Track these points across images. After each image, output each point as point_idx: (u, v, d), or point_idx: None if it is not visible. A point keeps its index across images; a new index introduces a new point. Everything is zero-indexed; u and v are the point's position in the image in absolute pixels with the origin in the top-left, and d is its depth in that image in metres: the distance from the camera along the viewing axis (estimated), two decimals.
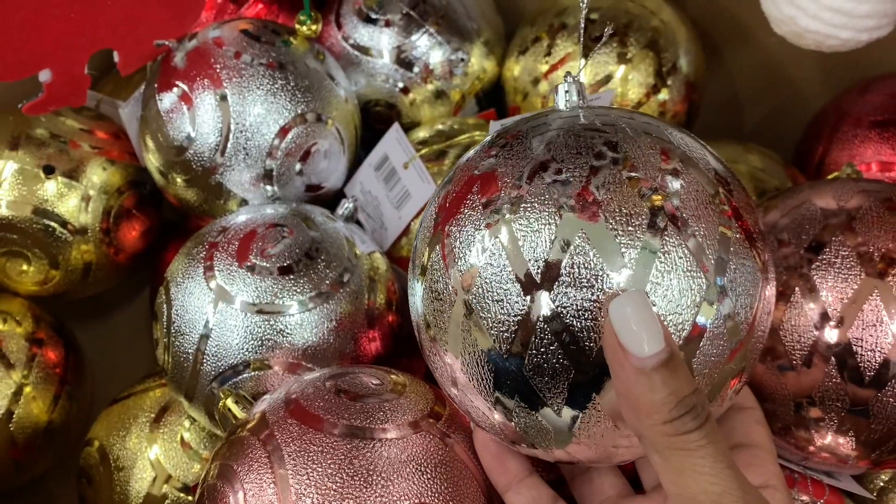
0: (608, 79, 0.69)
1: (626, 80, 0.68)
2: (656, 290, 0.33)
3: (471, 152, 0.40)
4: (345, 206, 0.61)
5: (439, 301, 0.37)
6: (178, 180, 0.65)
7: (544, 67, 0.71)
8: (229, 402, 0.49)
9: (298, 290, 0.53)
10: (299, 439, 0.41)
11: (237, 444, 0.43)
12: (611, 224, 0.33)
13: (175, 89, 0.63)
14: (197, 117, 0.62)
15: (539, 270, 0.34)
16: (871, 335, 0.43)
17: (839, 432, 0.45)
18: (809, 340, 0.44)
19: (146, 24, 0.61)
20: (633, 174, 0.34)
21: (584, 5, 0.39)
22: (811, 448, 0.47)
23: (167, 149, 0.64)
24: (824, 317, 0.44)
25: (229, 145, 0.62)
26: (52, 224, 0.69)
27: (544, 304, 0.34)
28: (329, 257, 0.56)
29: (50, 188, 0.68)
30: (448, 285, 0.36)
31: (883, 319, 0.43)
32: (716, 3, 0.79)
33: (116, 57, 0.62)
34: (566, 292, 0.33)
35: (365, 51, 0.73)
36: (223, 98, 0.61)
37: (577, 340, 0.33)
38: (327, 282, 0.55)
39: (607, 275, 0.33)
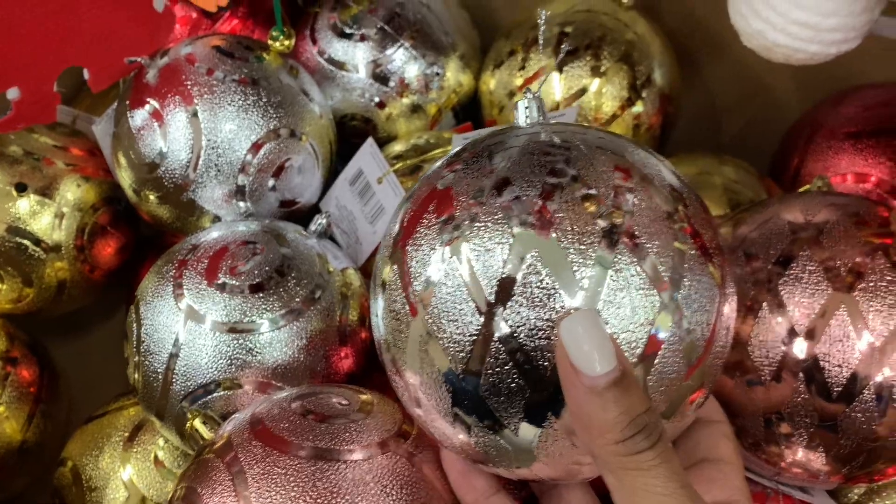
0: (582, 92, 0.69)
1: (600, 94, 0.68)
2: (609, 309, 0.33)
3: (431, 169, 0.39)
4: (317, 222, 0.61)
5: (397, 321, 0.37)
6: (151, 197, 0.64)
7: (519, 81, 0.71)
8: (196, 423, 0.48)
9: (268, 308, 0.53)
10: (263, 461, 0.41)
11: (202, 466, 0.43)
12: (564, 242, 0.33)
13: (146, 106, 0.63)
14: (168, 134, 0.62)
15: (493, 290, 0.33)
16: (838, 350, 0.43)
17: (809, 448, 0.45)
18: (778, 356, 0.44)
19: (117, 41, 0.61)
20: (587, 192, 0.34)
21: (542, 21, 0.39)
22: (782, 463, 0.47)
23: (139, 166, 0.63)
24: (792, 332, 0.44)
25: (201, 162, 0.61)
26: (25, 242, 0.68)
27: (499, 323, 0.33)
28: (300, 274, 0.55)
29: (22, 206, 0.68)
30: (405, 305, 0.36)
31: (850, 334, 0.42)
32: (692, 16, 0.79)
33: (87, 74, 0.61)
34: (520, 311, 0.33)
35: (340, 65, 0.73)
36: (194, 115, 0.61)
37: (532, 360, 0.33)
38: (298, 299, 0.54)
39: (560, 293, 0.33)
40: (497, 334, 0.33)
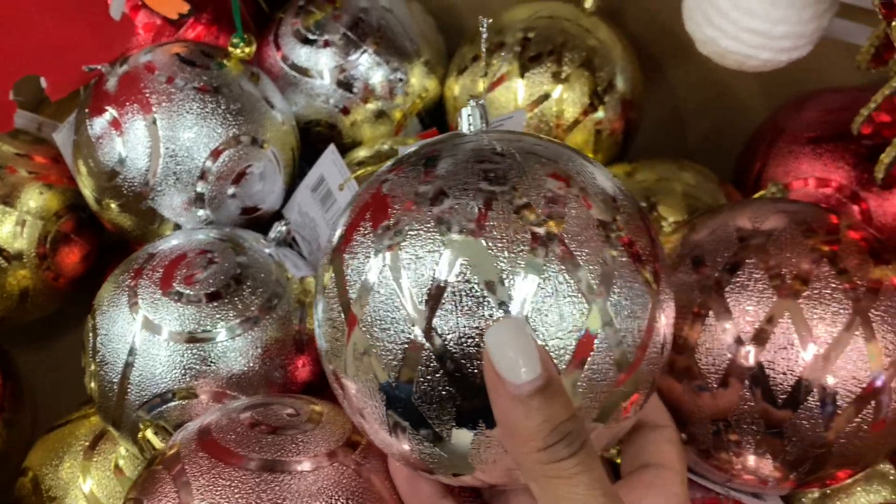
0: (545, 98, 0.69)
1: (561, 100, 0.69)
2: (538, 316, 0.33)
3: (372, 177, 0.40)
4: (277, 230, 0.61)
5: (335, 328, 0.37)
6: (112, 206, 0.64)
7: (482, 86, 0.71)
8: (148, 433, 0.48)
9: (222, 318, 0.53)
10: (208, 473, 0.40)
11: (149, 477, 0.43)
12: (494, 250, 0.33)
13: (105, 114, 0.62)
14: (127, 142, 0.61)
15: (424, 298, 0.34)
16: (783, 357, 0.43)
17: (757, 454, 0.45)
18: (724, 363, 0.44)
19: (74, 50, 0.61)
20: (520, 200, 0.34)
21: (484, 29, 0.40)
22: (733, 470, 0.47)
23: (98, 174, 0.63)
24: (738, 339, 0.44)
25: (159, 170, 0.61)
26: None
27: (429, 331, 0.34)
28: (256, 283, 0.55)
29: None
30: (342, 313, 0.36)
31: (794, 342, 0.43)
32: (655, 21, 0.80)
33: (44, 83, 0.61)
34: (450, 319, 0.33)
35: (304, 71, 0.73)
36: (153, 122, 0.61)
37: (462, 368, 0.33)
38: (253, 308, 0.54)
39: (489, 301, 0.33)
40: (427, 343, 0.34)
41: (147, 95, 0.62)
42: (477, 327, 0.33)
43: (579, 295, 0.33)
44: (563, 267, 0.33)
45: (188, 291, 0.54)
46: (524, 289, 0.33)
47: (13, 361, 0.75)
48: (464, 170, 0.36)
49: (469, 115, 0.39)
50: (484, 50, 0.41)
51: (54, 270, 0.72)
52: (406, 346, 0.34)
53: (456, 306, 0.33)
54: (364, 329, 0.35)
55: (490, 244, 0.33)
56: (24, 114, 0.75)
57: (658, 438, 0.42)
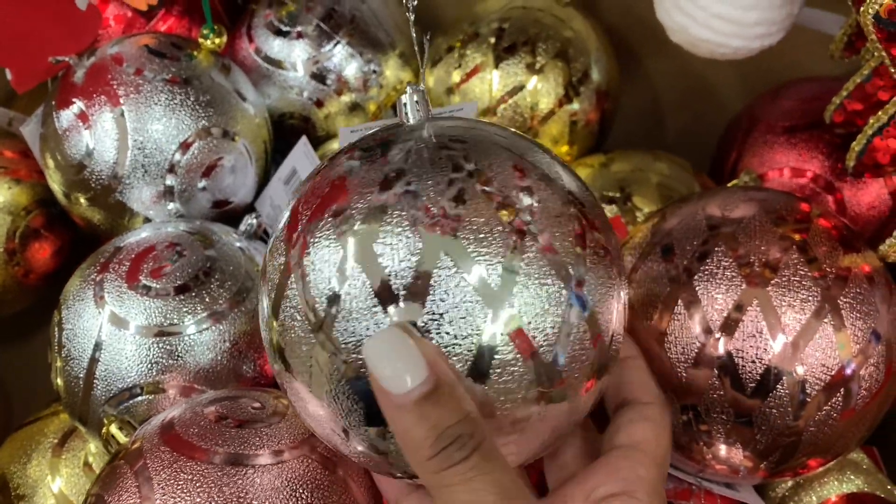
0: (519, 88, 0.68)
1: (536, 91, 0.68)
2: (515, 301, 0.33)
3: (324, 162, 0.39)
4: (247, 223, 0.60)
5: (285, 324, 0.36)
6: (81, 200, 0.63)
7: (457, 77, 0.71)
8: (112, 428, 0.48)
9: (189, 311, 0.52)
10: (170, 467, 0.40)
11: (111, 472, 0.42)
12: (465, 238, 0.33)
13: (73, 107, 0.62)
14: (94, 135, 0.61)
15: (323, 304, 0.33)
16: (751, 346, 0.42)
17: (727, 444, 0.45)
18: (693, 352, 0.44)
19: (39, 41, 0.60)
20: (486, 188, 0.34)
21: (427, 41, 0.39)
22: (704, 460, 0.47)
23: (66, 167, 0.62)
24: (707, 328, 0.43)
25: (127, 162, 0.60)
26: None
27: (330, 336, 0.33)
28: (224, 276, 0.54)
29: None
30: (295, 301, 0.35)
31: (763, 330, 0.42)
32: (632, 12, 0.79)
33: (9, 74, 0.60)
34: (346, 326, 0.33)
35: (277, 64, 0.72)
36: (121, 115, 0.60)
37: (360, 375, 0.33)
38: (222, 301, 0.53)
39: (377, 308, 0.32)
40: (331, 348, 0.33)
41: (115, 87, 0.61)
42: (368, 333, 0.32)
43: (550, 280, 0.33)
44: (529, 256, 0.33)
45: (155, 285, 0.53)
46: (495, 280, 0.32)
47: None
48: (427, 157, 0.35)
49: (406, 104, 0.37)
50: (423, 65, 0.39)
51: (24, 266, 0.71)
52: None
53: (349, 312, 0.33)
54: (319, 318, 0.34)
55: (460, 232, 0.33)
56: None
57: (635, 417, 0.39)
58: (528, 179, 0.35)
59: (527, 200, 0.34)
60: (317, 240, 0.34)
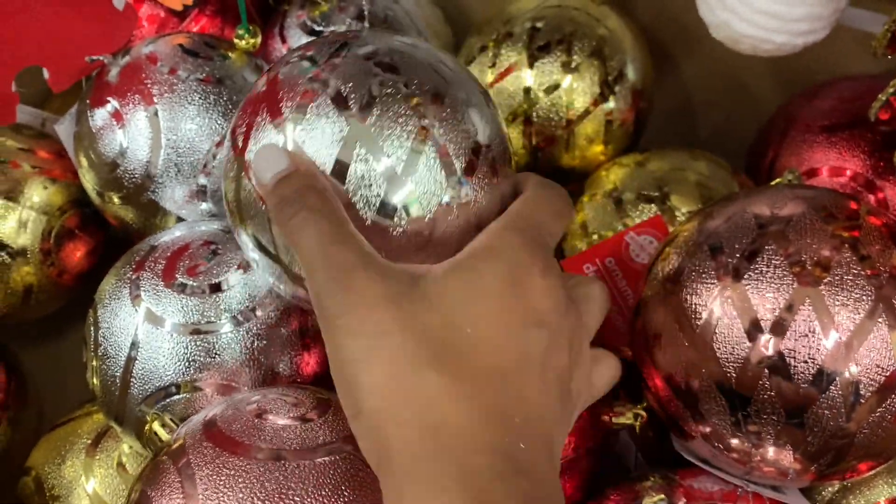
0: (554, 88, 0.68)
1: (571, 90, 0.67)
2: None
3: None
4: None
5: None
6: (114, 199, 0.63)
7: (490, 77, 0.70)
8: (155, 426, 0.48)
9: (227, 309, 0.52)
10: (212, 463, 0.40)
11: (155, 468, 0.42)
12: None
13: (107, 105, 0.61)
14: (128, 133, 0.60)
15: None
16: (803, 346, 0.42)
17: (777, 446, 0.44)
18: (743, 351, 0.43)
19: (75, 41, 0.60)
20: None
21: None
22: (752, 462, 0.46)
23: (99, 166, 0.62)
24: (757, 327, 0.43)
25: (160, 161, 0.60)
26: None
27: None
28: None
29: None
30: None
31: (815, 329, 0.41)
32: (666, 11, 0.78)
33: (46, 74, 0.60)
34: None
35: None
36: (154, 114, 0.60)
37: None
38: (258, 299, 0.53)
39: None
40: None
41: (149, 86, 0.61)
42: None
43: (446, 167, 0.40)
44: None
45: (192, 283, 0.53)
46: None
47: (18, 359, 0.75)
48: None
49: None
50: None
51: (59, 266, 0.71)
52: None
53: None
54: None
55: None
56: (27, 109, 0.74)
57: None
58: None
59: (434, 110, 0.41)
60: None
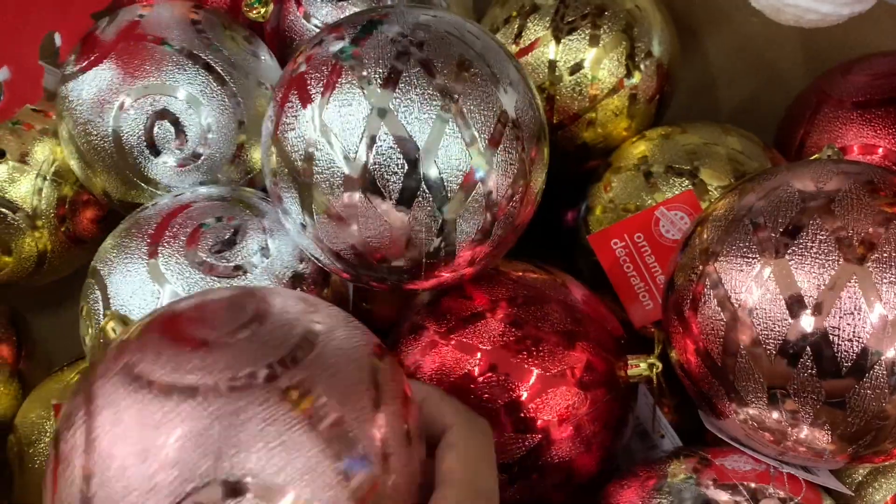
0: (580, 66, 0.66)
1: (597, 65, 0.66)
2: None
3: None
4: None
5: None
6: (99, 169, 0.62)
7: (514, 50, 0.69)
8: (108, 326, 0.45)
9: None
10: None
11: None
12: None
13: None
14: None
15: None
16: (848, 323, 0.41)
17: (815, 425, 0.43)
18: (784, 328, 0.42)
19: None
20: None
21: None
22: (787, 442, 0.45)
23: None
24: (800, 304, 0.42)
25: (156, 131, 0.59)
26: (3, 210, 0.66)
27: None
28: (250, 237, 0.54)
29: (1, 172, 0.66)
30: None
31: (861, 307, 0.40)
32: None
33: (58, 40, 0.59)
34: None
35: None
36: (146, 85, 0.58)
37: None
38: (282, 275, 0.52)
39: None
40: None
41: (143, 55, 0.59)
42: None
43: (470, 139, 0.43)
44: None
45: (216, 262, 0.52)
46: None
47: (28, 325, 0.74)
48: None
49: None
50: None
51: (73, 232, 0.70)
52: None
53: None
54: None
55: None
56: (50, 69, 0.72)
57: (440, 452, 0.38)
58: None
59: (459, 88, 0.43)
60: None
